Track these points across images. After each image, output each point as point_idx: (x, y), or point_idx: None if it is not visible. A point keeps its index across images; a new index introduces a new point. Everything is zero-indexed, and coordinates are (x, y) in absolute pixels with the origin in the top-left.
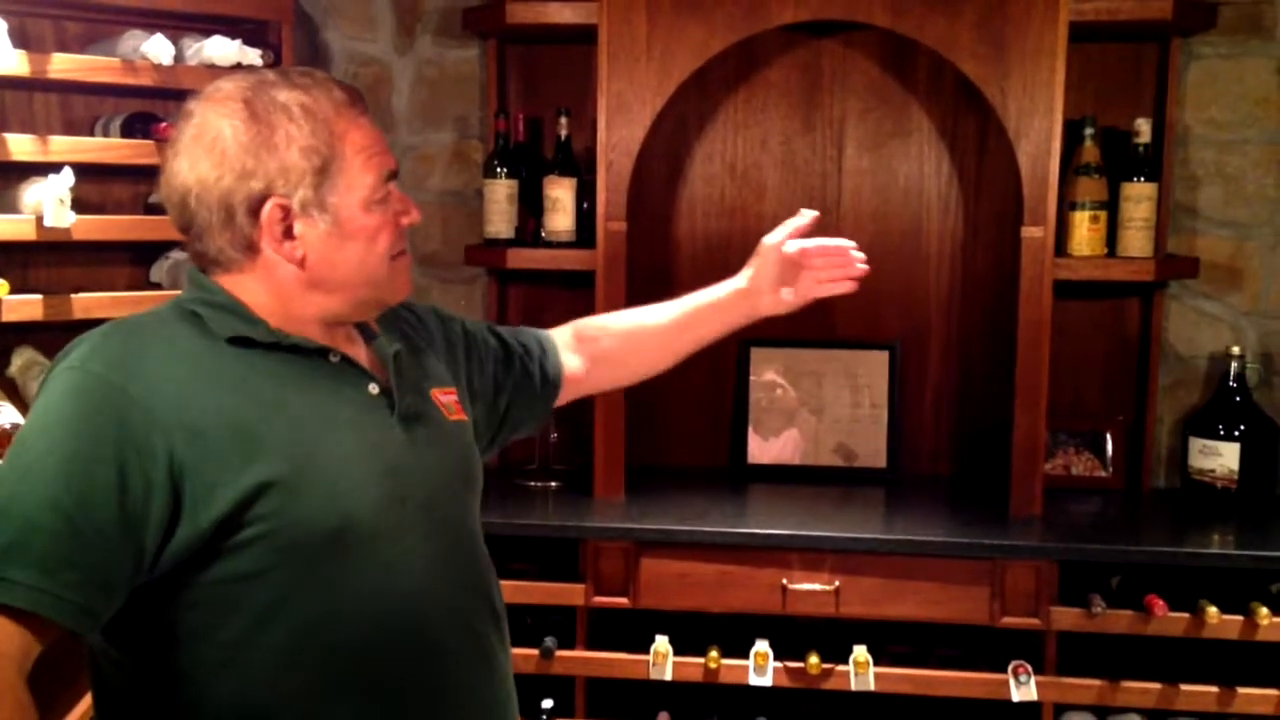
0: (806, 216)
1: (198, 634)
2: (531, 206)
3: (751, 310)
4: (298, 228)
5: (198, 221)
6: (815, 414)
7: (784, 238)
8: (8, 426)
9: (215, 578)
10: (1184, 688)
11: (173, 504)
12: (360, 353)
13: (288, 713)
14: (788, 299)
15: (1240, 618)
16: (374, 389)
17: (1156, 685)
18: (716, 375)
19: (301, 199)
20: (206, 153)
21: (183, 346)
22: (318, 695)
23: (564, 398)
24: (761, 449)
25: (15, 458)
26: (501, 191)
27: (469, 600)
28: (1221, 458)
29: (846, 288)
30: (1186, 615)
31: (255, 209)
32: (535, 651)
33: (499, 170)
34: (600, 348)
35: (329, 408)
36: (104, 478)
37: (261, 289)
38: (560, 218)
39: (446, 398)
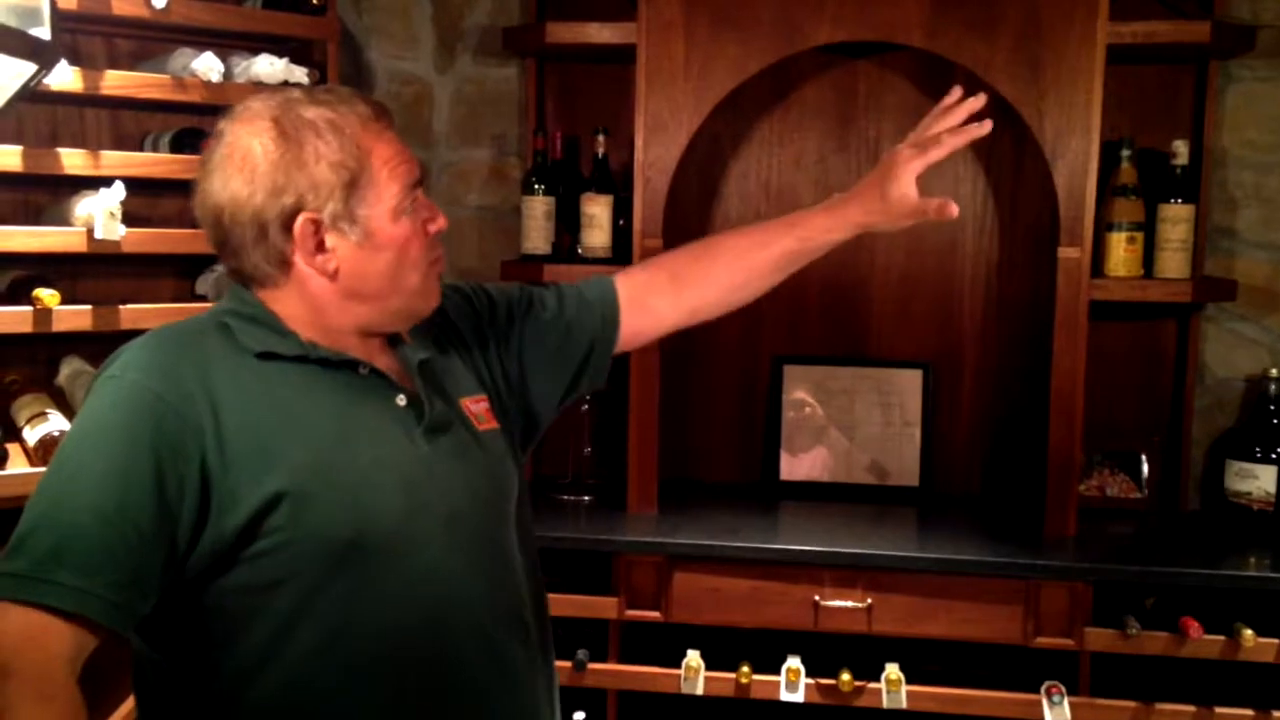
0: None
1: (225, 639)
2: (568, 223)
3: (870, 220)
4: (329, 241)
5: (232, 239)
6: (848, 432)
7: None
8: (56, 434)
9: (237, 585)
10: (1219, 710)
11: (201, 507)
12: (391, 363)
13: (315, 717)
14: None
15: (1276, 641)
16: (401, 400)
17: (1191, 708)
18: (749, 392)
19: (332, 212)
20: (238, 171)
21: (214, 356)
22: (342, 702)
23: (642, 332)
24: (793, 466)
25: (60, 464)
26: (539, 208)
27: (493, 614)
28: (1258, 480)
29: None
30: (1222, 638)
31: (287, 224)
32: (568, 664)
33: (537, 187)
34: (663, 300)
35: (352, 421)
36: (142, 479)
37: (297, 303)
38: (597, 234)
39: (476, 406)
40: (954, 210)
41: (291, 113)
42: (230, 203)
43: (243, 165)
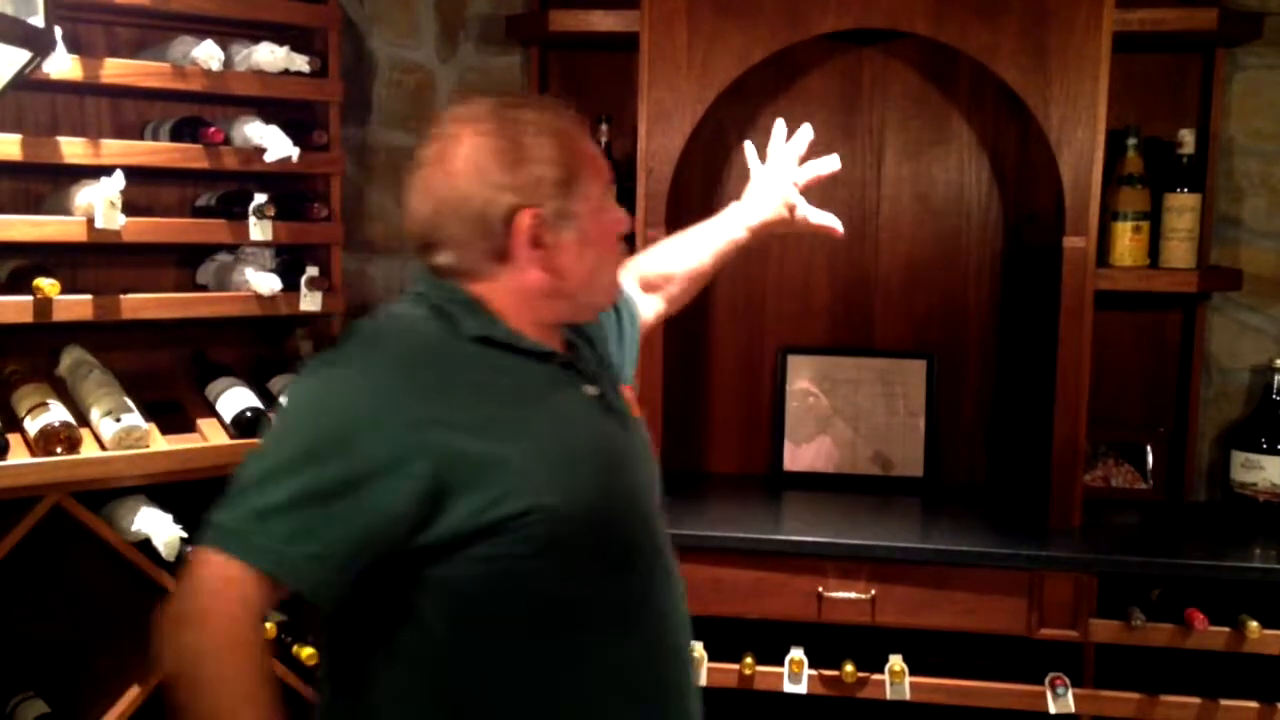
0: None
1: (455, 614)
2: None
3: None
4: (547, 236)
5: (448, 233)
6: (852, 422)
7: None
8: (57, 424)
9: (476, 558)
10: (1224, 703)
11: (428, 499)
12: (571, 355)
13: (534, 688)
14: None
15: None
16: (591, 391)
17: (1196, 699)
18: (753, 382)
19: (551, 209)
20: (462, 167)
21: (436, 347)
22: (575, 680)
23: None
24: (797, 456)
25: (278, 435)
26: None
27: (681, 594)
28: (1264, 471)
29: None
30: (1227, 629)
31: (508, 220)
32: None
33: None
34: (665, 294)
35: (566, 410)
36: (354, 468)
37: (504, 295)
38: None
39: (629, 393)
40: (840, 231)
41: (509, 114)
42: (452, 197)
43: (466, 162)
